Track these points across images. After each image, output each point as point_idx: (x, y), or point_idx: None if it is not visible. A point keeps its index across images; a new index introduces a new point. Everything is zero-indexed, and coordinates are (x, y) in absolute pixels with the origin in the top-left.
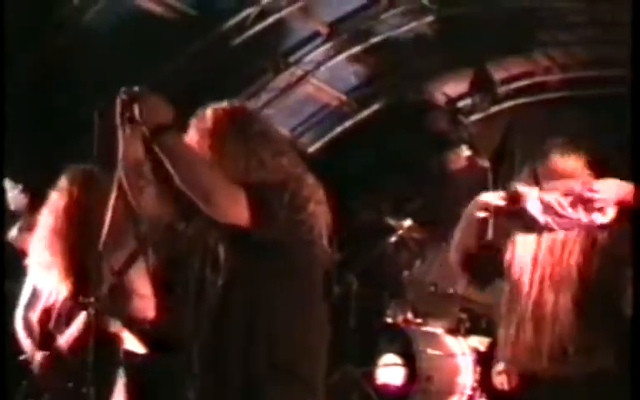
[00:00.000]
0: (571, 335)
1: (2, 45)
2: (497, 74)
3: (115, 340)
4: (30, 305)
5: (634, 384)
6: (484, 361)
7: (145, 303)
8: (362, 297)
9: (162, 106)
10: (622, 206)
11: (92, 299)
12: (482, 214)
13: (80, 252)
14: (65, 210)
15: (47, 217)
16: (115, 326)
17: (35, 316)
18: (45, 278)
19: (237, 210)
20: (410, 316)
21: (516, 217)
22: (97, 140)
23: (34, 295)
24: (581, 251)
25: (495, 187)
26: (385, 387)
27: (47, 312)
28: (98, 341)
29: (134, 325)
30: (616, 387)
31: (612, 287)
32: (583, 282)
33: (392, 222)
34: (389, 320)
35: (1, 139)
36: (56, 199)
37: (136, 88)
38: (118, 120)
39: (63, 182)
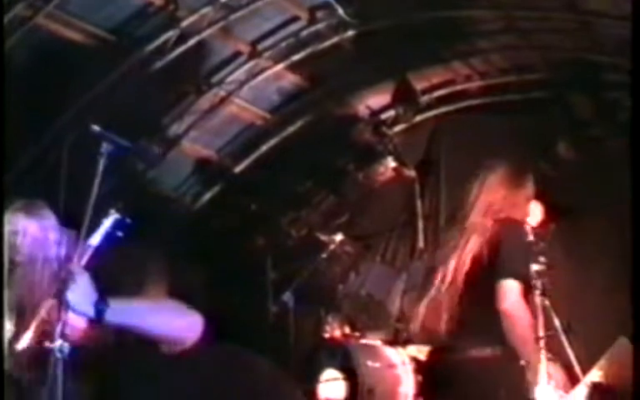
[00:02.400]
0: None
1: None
2: (419, 84)
3: None
4: None
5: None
6: (424, 369)
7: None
8: (299, 315)
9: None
10: None
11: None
12: None
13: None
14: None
15: None
16: None
17: None
18: None
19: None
20: (347, 329)
21: None
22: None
23: None
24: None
25: (422, 197)
26: None
27: None
28: None
29: None
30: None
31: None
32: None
33: (323, 237)
34: (327, 335)
35: None
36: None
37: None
38: None
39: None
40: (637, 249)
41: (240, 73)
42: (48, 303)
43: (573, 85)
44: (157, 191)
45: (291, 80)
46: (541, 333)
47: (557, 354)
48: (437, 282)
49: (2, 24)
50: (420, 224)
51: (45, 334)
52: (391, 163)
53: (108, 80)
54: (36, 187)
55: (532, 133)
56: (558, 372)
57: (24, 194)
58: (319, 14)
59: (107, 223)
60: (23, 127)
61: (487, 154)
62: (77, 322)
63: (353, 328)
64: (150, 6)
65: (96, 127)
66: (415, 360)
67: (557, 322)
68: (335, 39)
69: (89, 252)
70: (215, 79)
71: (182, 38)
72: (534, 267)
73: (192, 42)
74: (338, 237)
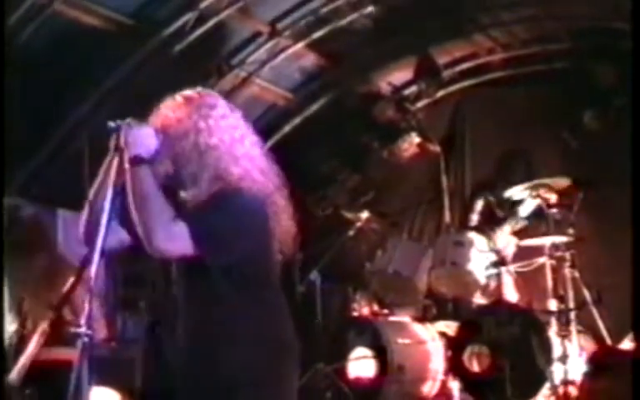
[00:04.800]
0: None
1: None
2: (441, 59)
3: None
4: None
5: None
6: (454, 345)
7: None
8: (326, 294)
9: (145, 137)
10: None
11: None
12: None
13: None
14: None
15: None
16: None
17: None
18: None
19: (175, 249)
20: (376, 307)
21: None
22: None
23: None
24: None
25: (447, 172)
26: (358, 381)
27: None
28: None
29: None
30: None
31: None
32: None
33: (349, 215)
34: (356, 314)
35: None
36: None
37: (126, 121)
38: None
39: None
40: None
41: (260, 53)
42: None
43: (597, 54)
44: None
45: (312, 59)
46: (571, 305)
47: (587, 326)
48: None
49: (2, 24)
50: (446, 199)
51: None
52: (415, 139)
53: (128, 65)
54: (57, 176)
55: (556, 104)
56: (589, 344)
57: (46, 182)
58: None
59: None
60: (43, 116)
61: (512, 127)
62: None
63: (381, 306)
64: None
65: (112, 124)
66: (444, 335)
67: (586, 293)
68: (355, 15)
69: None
70: (236, 60)
71: (200, 20)
72: (563, 239)
73: (211, 23)
74: (364, 214)
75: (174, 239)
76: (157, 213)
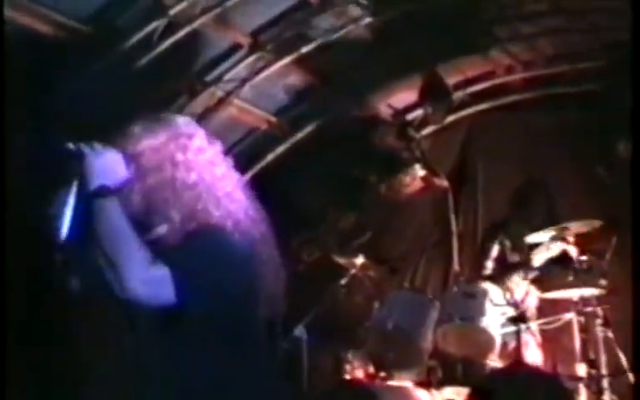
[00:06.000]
0: None
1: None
2: (451, 78)
3: None
4: None
5: None
6: None
7: None
8: (314, 352)
9: (112, 165)
10: None
11: None
12: None
13: None
14: None
15: None
16: None
17: None
18: None
19: (155, 295)
20: (372, 369)
21: None
22: None
23: None
24: None
25: (457, 211)
26: None
27: None
28: None
29: None
30: None
31: None
32: None
33: (341, 260)
34: (348, 376)
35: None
36: None
37: (89, 144)
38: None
39: None
40: None
41: (240, 69)
42: None
43: (637, 74)
44: None
45: (299, 76)
46: (603, 371)
47: (622, 396)
48: None
49: (2, 24)
50: (455, 243)
51: None
52: (419, 172)
53: (85, 79)
54: None
55: (586, 133)
56: None
57: None
58: None
59: None
60: None
61: (533, 159)
62: None
63: (379, 368)
64: None
65: (71, 146)
66: None
67: (622, 357)
68: (351, 27)
69: None
70: (211, 77)
71: (170, 28)
72: (593, 292)
73: (182, 33)
74: (359, 260)
75: (154, 284)
76: (131, 253)
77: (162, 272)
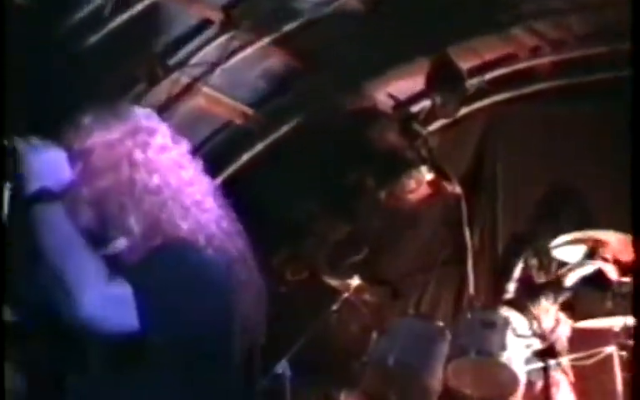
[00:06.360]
0: None
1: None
2: (465, 62)
3: None
4: None
5: None
6: None
7: None
8: (299, 392)
9: (55, 164)
10: None
11: None
12: None
13: None
14: None
15: None
16: None
17: None
18: None
19: (112, 318)
20: None
21: None
22: None
23: None
24: None
25: (471, 222)
26: None
27: None
28: None
29: None
30: None
31: None
32: None
33: (332, 281)
34: None
35: None
36: None
37: (26, 139)
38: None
39: None
40: None
41: (209, 51)
42: None
43: None
44: None
45: (281, 60)
46: None
47: None
48: None
49: (2, 24)
50: (469, 261)
51: None
52: (426, 175)
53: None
54: None
55: (626, 128)
56: None
57: None
58: None
59: None
60: None
61: (562, 159)
62: None
63: None
64: None
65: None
66: None
67: None
68: (341, 0)
69: None
70: (175, 59)
71: (125, 1)
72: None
73: (139, 6)
74: (354, 281)
75: (113, 303)
76: (83, 264)
77: (123, 290)
